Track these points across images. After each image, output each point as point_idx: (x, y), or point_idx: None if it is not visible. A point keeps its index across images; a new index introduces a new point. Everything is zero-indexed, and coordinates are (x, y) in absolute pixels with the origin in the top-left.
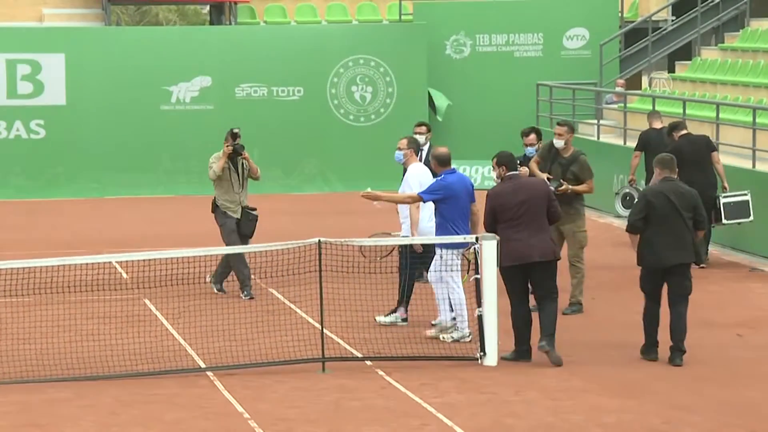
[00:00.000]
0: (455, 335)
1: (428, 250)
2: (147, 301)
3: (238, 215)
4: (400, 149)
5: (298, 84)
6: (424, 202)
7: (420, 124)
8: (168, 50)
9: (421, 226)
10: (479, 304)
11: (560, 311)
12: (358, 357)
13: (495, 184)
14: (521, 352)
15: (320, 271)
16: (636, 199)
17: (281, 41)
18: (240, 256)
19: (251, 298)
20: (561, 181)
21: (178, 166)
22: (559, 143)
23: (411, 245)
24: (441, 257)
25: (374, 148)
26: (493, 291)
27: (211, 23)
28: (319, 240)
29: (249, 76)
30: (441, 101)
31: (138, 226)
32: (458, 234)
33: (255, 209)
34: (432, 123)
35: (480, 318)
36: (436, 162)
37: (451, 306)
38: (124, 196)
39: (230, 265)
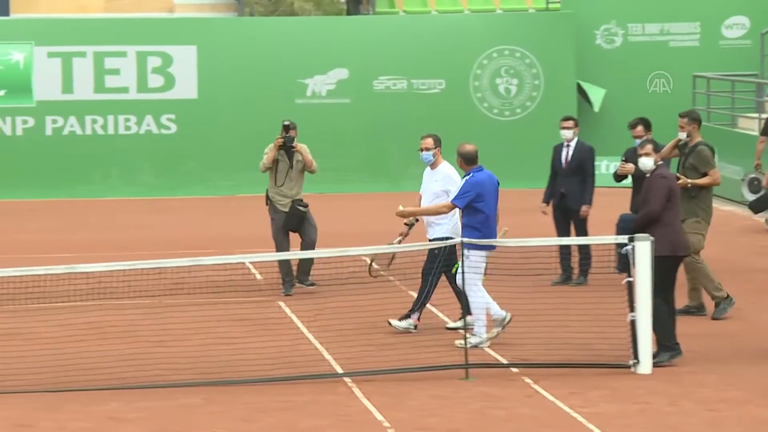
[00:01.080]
0: (473, 341)
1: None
2: (282, 304)
3: (286, 209)
4: (427, 149)
5: (440, 76)
6: (461, 208)
7: (567, 119)
8: (303, 41)
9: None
10: (632, 308)
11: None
12: (503, 364)
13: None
14: (674, 348)
15: (462, 273)
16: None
17: (421, 31)
18: (284, 249)
19: (288, 294)
20: (677, 174)
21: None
22: (681, 135)
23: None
24: (468, 259)
25: (519, 143)
26: (647, 294)
27: (348, 13)
28: (462, 240)
29: (388, 68)
30: (596, 92)
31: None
32: (491, 233)
33: (306, 205)
34: (581, 118)
35: (633, 323)
36: (462, 160)
37: (468, 307)
38: (258, 194)
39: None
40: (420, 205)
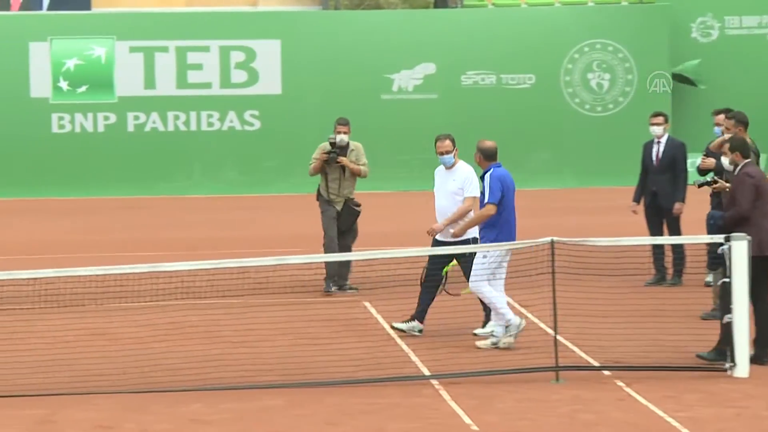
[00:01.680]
0: (492, 341)
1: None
2: (367, 304)
3: (339, 207)
4: (447, 152)
5: (530, 71)
6: (499, 205)
7: (656, 114)
8: (389, 35)
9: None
10: (728, 310)
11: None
12: (594, 366)
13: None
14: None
15: (553, 273)
16: None
17: (511, 25)
18: (332, 246)
19: (328, 292)
20: (714, 177)
21: (399, 160)
22: (727, 137)
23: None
24: (485, 256)
25: (612, 140)
26: (744, 296)
27: (436, 6)
28: (552, 239)
29: (476, 63)
30: (691, 68)
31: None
32: (511, 231)
33: (359, 204)
34: (678, 113)
35: (728, 325)
36: (482, 156)
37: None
38: None
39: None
40: (436, 206)
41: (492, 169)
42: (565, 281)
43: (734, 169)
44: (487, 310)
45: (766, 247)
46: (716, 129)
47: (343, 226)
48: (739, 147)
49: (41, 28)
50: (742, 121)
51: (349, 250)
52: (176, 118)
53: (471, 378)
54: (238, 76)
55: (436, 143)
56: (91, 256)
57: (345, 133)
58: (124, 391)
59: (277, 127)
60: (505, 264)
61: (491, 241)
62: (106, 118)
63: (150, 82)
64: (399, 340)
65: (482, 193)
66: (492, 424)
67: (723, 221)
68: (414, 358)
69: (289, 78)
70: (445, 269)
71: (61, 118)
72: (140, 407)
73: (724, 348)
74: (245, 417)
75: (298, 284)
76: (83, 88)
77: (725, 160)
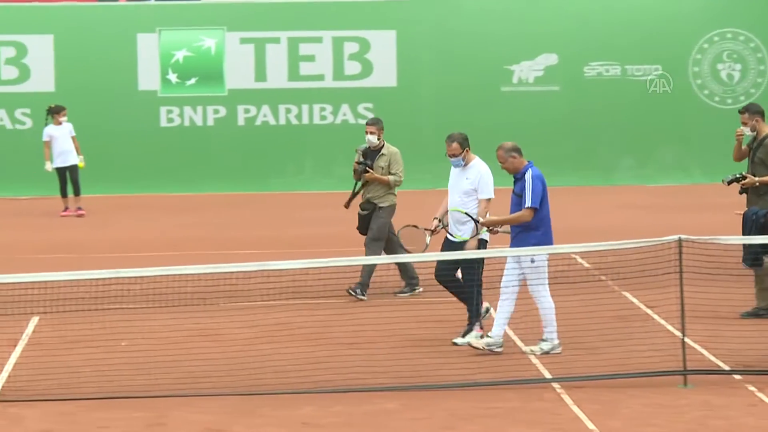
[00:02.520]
0: (544, 346)
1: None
2: (486, 304)
3: (368, 210)
4: (454, 156)
5: (656, 62)
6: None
7: None
8: (509, 24)
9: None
10: None
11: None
12: (724, 370)
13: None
14: None
15: (681, 272)
16: None
17: (636, 13)
18: (372, 251)
19: (351, 292)
20: (742, 173)
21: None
22: (745, 130)
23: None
24: (533, 261)
25: None
26: None
27: None
28: (680, 237)
29: (600, 53)
30: None
31: None
32: (550, 232)
33: (368, 207)
34: None
35: None
36: (518, 154)
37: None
38: None
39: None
40: (448, 203)
41: (531, 168)
42: (693, 281)
43: None
44: (470, 316)
45: None
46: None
47: (359, 228)
48: None
49: (149, 18)
50: (758, 111)
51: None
52: (288, 111)
53: (594, 381)
54: (352, 67)
55: (446, 143)
56: (196, 254)
57: (373, 133)
58: (232, 393)
59: (391, 121)
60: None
61: (534, 245)
62: (216, 111)
63: (261, 74)
64: (519, 341)
65: (516, 195)
66: (617, 429)
67: (765, 218)
68: (534, 360)
69: (405, 69)
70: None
71: (169, 112)
72: (249, 410)
73: None
74: (357, 421)
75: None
76: (192, 81)
77: (744, 129)
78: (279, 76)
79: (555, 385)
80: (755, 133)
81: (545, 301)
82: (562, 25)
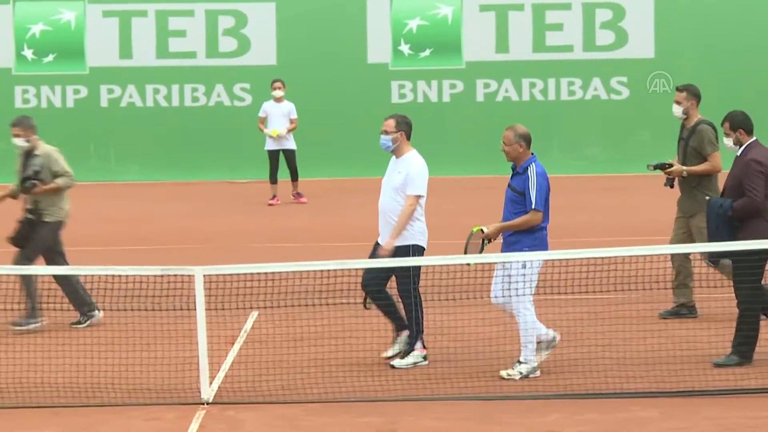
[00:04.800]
0: (523, 369)
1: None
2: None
3: None
4: (385, 132)
5: None
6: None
7: None
8: None
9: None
10: None
11: None
12: None
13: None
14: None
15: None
16: None
17: None
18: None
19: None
20: (669, 161)
21: None
22: (676, 111)
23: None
24: (524, 266)
25: None
26: None
27: None
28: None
29: None
30: None
31: None
32: (545, 238)
33: (36, 215)
34: None
35: None
36: (526, 144)
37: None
38: None
39: None
40: (381, 200)
41: (534, 163)
42: None
43: (739, 149)
44: (406, 332)
45: None
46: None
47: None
48: (742, 123)
49: None
50: (696, 95)
51: None
52: (532, 85)
53: None
54: (604, 37)
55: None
56: (437, 243)
57: (18, 136)
58: (469, 397)
59: (648, 95)
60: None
61: (529, 249)
62: (453, 86)
63: (503, 44)
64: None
65: (517, 192)
66: None
67: (733, 211)
68: None
69: (663, 39)
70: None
71: (402, 86)
72: (487, 416)
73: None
74: (609, 429)
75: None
76: (426, 53)
77: (728, 141)
78: (523, 47)
79: None
80: (686, 117)
81: (528, 315)
82: None
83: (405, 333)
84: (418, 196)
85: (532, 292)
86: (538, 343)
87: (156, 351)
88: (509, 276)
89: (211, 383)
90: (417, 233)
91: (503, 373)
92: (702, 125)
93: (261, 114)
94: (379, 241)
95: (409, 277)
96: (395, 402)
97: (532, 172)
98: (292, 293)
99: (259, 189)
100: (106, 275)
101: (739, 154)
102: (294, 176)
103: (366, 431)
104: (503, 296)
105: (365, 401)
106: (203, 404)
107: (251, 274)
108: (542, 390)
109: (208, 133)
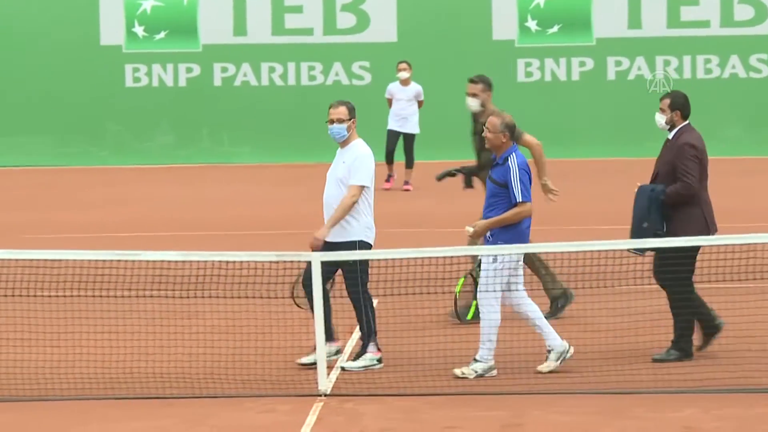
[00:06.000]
0: (477, 368)
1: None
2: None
3: None
4: (339, 121)
5: None
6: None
7: None
8: None
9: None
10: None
11: None
12: None
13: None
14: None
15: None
16: None
17: None
18: None
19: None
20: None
21: None
22: (472, 104)
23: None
24: (495, 260)
25: None
26: None
27: None
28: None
29: None
30: None
31: None
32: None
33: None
34: None
35: None
36: (510, 134)
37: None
38: None
39: None
40: (325, 193)
41: (515, 154)
42: None
43: (670, 131)
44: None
45: (712, 227)
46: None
47: None
48: (682, 106)
49: None
50: (491, 85)
51: None
52: (666, 63)
53: None
54: (743, 12)
55: (329, 110)
56: (563, 229)
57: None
58: (599, 391)
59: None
60: (521, 269)
61: (506, 242)
62: (582, 63)
63: (635, 20)
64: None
65: (498, 185)
66: None
67: (666, 197)
68: None
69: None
70: (457, 288)
71: (528, 65)
72: (618, 411)
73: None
74: (749, 426)
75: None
76: (555, 29)
77: (660, 118)
78: (657, 22)
79: None
80: (482, 108)
81: (493, 312)
82: None
83: (333, 344)
84: (362, 187)
85: (509, 287)
86: (549, 351)
87: (271, 340)
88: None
89: (328, 374)
90: (364, 228)
91: (457, 371)
92: None
93: (387, 96)
94: (328, 239)
95: (356, 275)
96: (521, 395)
97: (512, 162)
98: (413, 280)
99: (378, 172)
100: (219, 261)
101: (670, 137)
102: (409, 163)
103: (490, 426)
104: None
105: (490, 394)
106: (320, 396)
107: (375, 260)
108: (677, 384)
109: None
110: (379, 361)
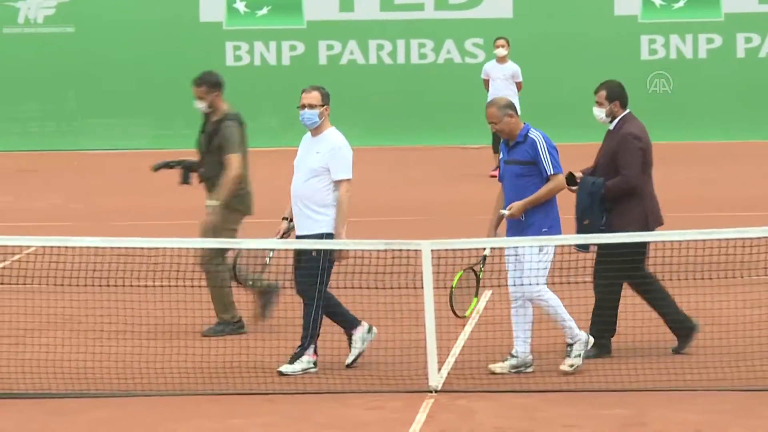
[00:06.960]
0: (577, 347)
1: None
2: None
3: None
4: (311, 106)
5: None
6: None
7: None
8: None
9: None
10: None
11: None
12: None
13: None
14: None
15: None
16: None
17: None
18: None
19: None
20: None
21: None
22: (200, 105)
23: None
24: (541, 250)
25: None
26: None
27: None
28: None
29: None
30: None
31: None
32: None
33: None
34: None
35: None
36: (514, 112)
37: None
38: None
39: None
40: (294, 183)
41: (533, 130)
42: None
43: (612, 123)
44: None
45: (654, 222)
46: None
47: None
48: (620, 95)
49: None
50: (216, 83)
51: None
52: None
53: None
54: None
55: (301, 95)
56: (686, 216)
57: None
58: (723, 388)
59: None
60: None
61: (549, 228)
62: (710, 40)
63: None
64: None
65: (523, 164)
66: None
67: (606, 191)
68: None
69: None
70: (453, 283)
71: (652, 41)
72: (748, 409)
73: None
74: None
75: None
76: (681, 3)
77: (599, 112)
78: None
79: None
80: (211, 108)
81: (551, 299)
82: None
83: (357, 330)
84: (350, 180)
85: (546, 279)
86: (569, 346)
87: (379, 333)
88: (522, 263)
89: (439, 369)
90: (333, 221)
91: (492, 367)
92: (228, 121)
93: (483, 76)
94: (297, 233)
95: (316, 271)
96: (645, 393)
97: (536, 136)
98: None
99: (478, 159)
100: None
101: (611, 128)
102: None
103: (610, 425)
104: (520, 285)
105: (611, 391)
106: (431, 392)
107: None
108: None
109: (437, 93)
110: (315, 364)
